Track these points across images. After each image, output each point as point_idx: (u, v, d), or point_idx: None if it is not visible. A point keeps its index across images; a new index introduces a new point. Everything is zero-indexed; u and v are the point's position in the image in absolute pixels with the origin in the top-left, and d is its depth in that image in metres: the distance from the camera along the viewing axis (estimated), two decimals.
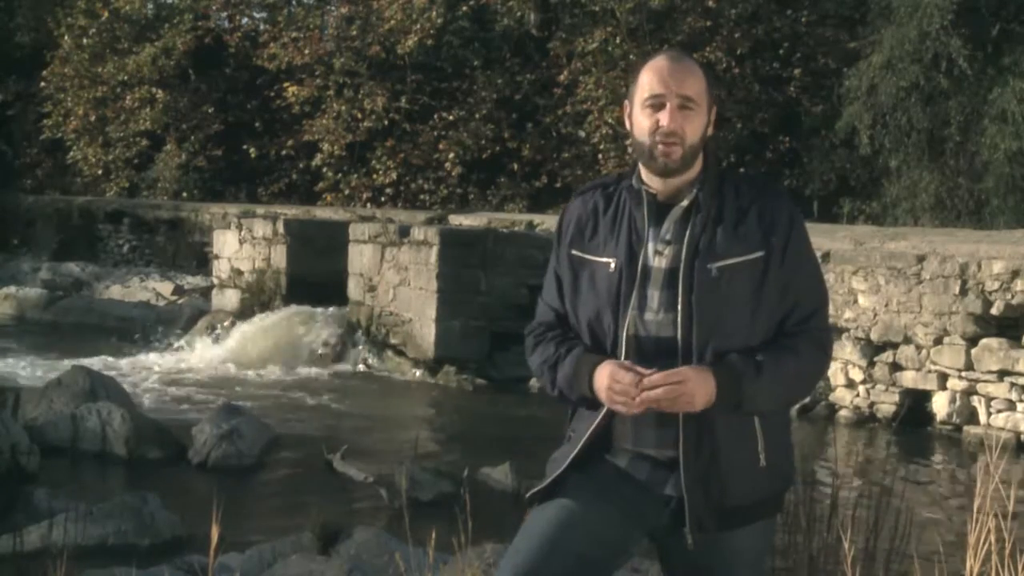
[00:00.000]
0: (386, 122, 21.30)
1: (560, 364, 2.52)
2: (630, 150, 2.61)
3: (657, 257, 2.47)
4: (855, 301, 10.62)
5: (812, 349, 2.50)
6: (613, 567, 2.54)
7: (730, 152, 19.15)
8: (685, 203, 2.49)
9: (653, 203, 2.50)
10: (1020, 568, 2.71)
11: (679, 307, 2.41)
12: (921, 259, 10.15)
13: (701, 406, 2.37)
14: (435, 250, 12.21)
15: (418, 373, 12.27)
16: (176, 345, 13.92)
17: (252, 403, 10.14)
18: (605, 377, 2.40)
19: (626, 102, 2.58)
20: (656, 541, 2.59)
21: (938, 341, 9.96)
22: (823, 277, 2.60)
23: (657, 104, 2.46)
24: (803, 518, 4.39)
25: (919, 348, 10.11)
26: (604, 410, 2.48)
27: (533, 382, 11.78)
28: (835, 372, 10.73)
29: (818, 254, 11.03)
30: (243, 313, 14.39)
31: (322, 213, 18.15)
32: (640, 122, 2.49)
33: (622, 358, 2.45)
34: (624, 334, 2.45)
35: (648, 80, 2.48)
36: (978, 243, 10.31)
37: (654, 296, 2.45)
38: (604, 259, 2.50)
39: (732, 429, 2.45)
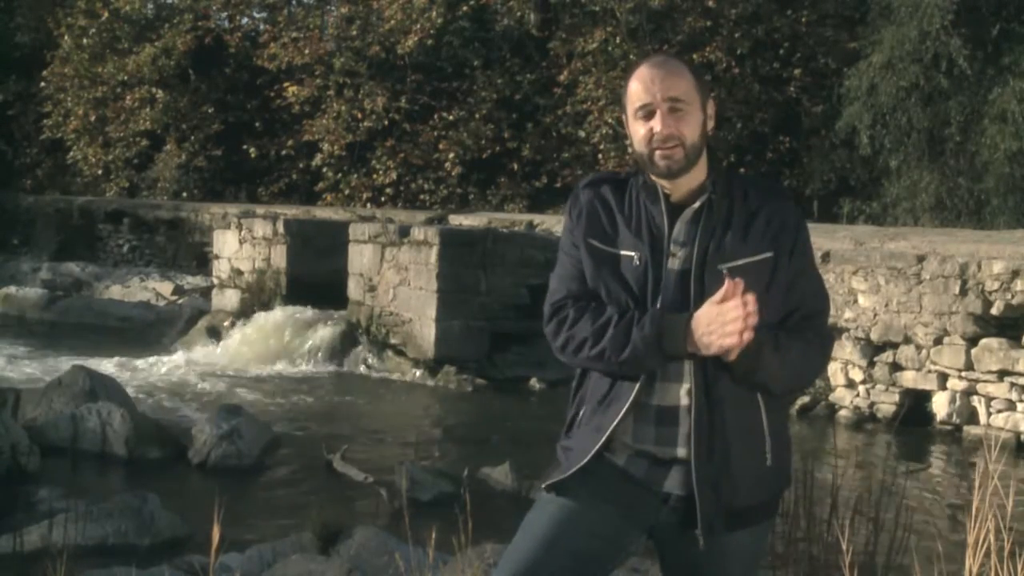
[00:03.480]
0: (386, 122, 21.31)
1: (636, 324, 2.43)
2: (630, 151, 2.60)
3: (670, 259, 2.48)
4: (855, 301, 10.63)
5: (817, 343, 2.54)
6: (612, 565, 2.55)
7: (730, 152, 19.16)
8: (696, 205, 2.50)
9: (667, 200, 2.52)
10: (1020, 568, 2.71)
11: (691, 309, 2.42)
12: (921, 259, 10.15)
13: (724, 349, 2.36)
14: (435, 250, 12.21)
15: (418, 373, 12.26)
16: (176, 345, 13.92)
17: (252, 403, 10.14)
18: (702, 322, 2.37)
19: (622, 115, 2.60)
20: (655, 539, 2.59)
21: (938, 341, 9.96)
22: (823, 283, 2.63)
23: (647, 112, 2.48)
24: (803, 518, 4.39)
25: (919, 348, 10.12)
26: (634, 397, 2.46)
27: (533, 382, 11.78)
28: (835, 372, 10.74)
29: (818, 254, 11.08)
30: (243, 313, 14.38)
31: (322, 213, 18.15)
32: (636, 132, 2.51)
33: None
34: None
35: (635, 90, 2.50)
36: (978, 243, 10.32)
37: (667, 296, 2.47)
38: (627, 252, 2.50)
39: (743, 428, 2.46)
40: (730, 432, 2.44)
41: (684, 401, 2.46)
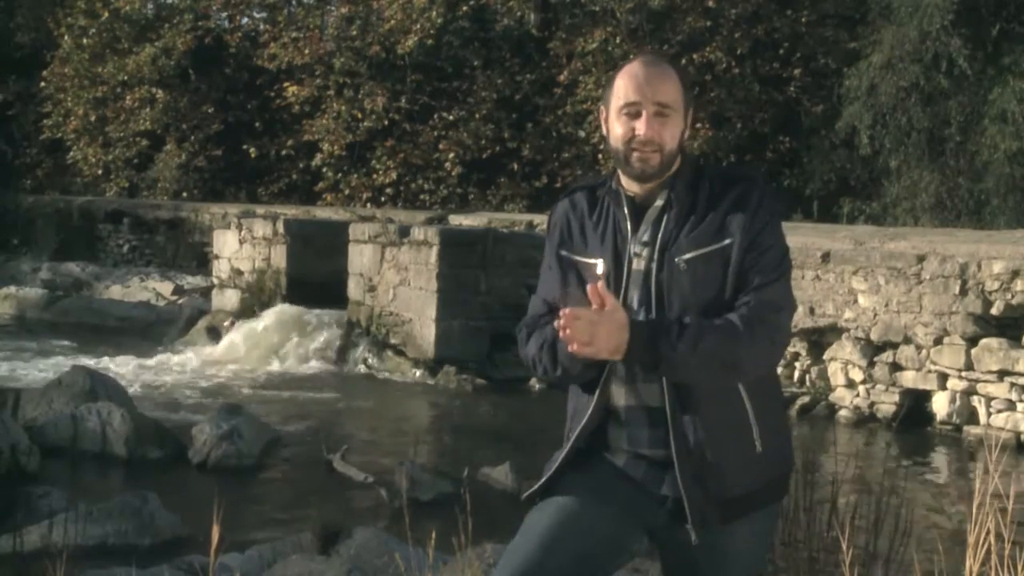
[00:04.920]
0: (386, 122, 21.32)
1: (559, 340, 2.44)
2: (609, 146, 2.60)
3: (636, 259, 2.49)
4: (855, 301, 10.63)
5: (752, 321, 2.39)
6: (612, 566, 2.55)
7: (730, 152, 19.17)
8: (659, 203, 2.51)
9: (632, 204, 2.52)
10: (1020, 568, 2.71)
11: (653, 306, 2.43)
12: (921, 259, 10.15)
13: (607, 354, 2.33)
14: (435, 250, 12.21)
15: (418, 373, 12.26)
16: (176, 345, 13.92)
17: (252, 403, 10.13)
18: None
19: (602, 107, 2.58)
20: (655, 540, 2.59)
21: (938, 341, 9.96)
22: (786, 258, 2.51)
23: (632, 112, 2.47)
24: (803, 518, 4.40)
25: (919, 348, 10.12)
26: (594, 405, 2.50)
27: (533, 382, 11.78)
28: (835, 372, 10.74)
29: (818, 254, 11.04)
30: (243, 313, 14.38)
31: (322, 213, 18.15)
32: (615, 129, 2.50)
33: None
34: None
35: (623, 87, 2.49)
36: (978, 243, 10.31)
37: (634, 297, 2.48)
38: (592, 260, 2.53)
39: (722, 420, 2.45)
40: (709, 424, 2.43)
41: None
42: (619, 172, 2.55)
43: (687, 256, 2.43)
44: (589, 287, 2.34)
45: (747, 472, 2.48)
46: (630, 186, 2.53)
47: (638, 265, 2.48)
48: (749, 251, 2.43)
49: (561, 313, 2.31)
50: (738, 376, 2.44)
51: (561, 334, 2.32)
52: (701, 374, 2.39)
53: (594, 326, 2.30)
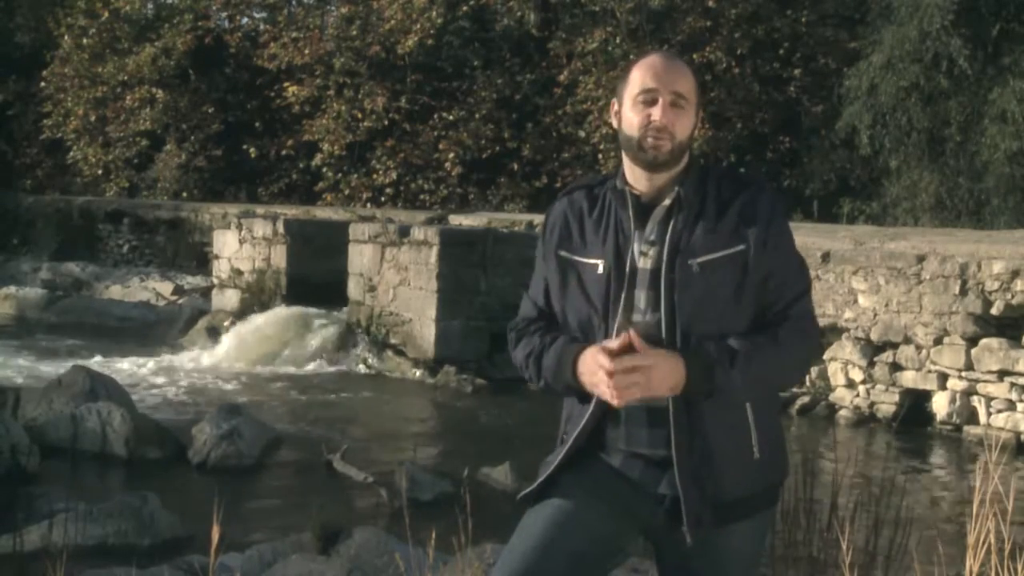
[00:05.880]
0: (386, 122, 21.32)
1: (545, 354, 2.51)
2: (619, 134, 2.60)
3: (642, 258, 2.48)
4: (855, 301, 10.63)
5: (793, 337, 2.45)
6: (608, 566, 2.55)
7: (730, 152, 19.17)
8: (667, 202, 2.50)
9: (637, 204, 2.52)
10: (1020, 568, 2.71)
11: (663, 307, 2.42)
12: (921, 259, 10.15)
13: (667, 392, 2.35)
14: (435, 250, 12.22)
15: (418, 373, 12.27)
16: (176, 345, 13.93)
17: (252, 403, 10.14)
18: (589, 362, 2.39)
19: (614, 100, 2.59)
20: (651, 540, 2.59)
21: (938, 341, 9.96)
22: (804, 264, 2.56)
23: (649, 99, 2.48)
24: (803, 518, 4.39)
25: (919, 348, 10.12)
26: (592, 409, 2.49)
27: None
28: (835, 372, 10.74)
29: (818, 254, 11.04)
30: (243, 313, 14.39)
31: (322, 213, 18.15)
32: (630, 117, 2.50)
33: None
34: (614, 336, 2.44)
35: (640, 76, 2.50)
36: (978, 243, 10.31)
37: (641, 297, 2.46)
38: (592, 260, 2.51)
39: (724, 423, 2.45)
40: (711, 427, 2.43)
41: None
42: (624, 170, 2.55)
43: (701, 259, 2.43)
44: (624, 334, 2.33)
45: (744, 477, 2.48)
46: (636, 184, 2.52)
47: (644, 264, 2.47)
48: (774, 267, 2.46)
49: (610, 366, 2.31)
50: (788, 386, 2.53)
51: (608, 391, 2.33)
52: (755, 392, 2.46)
53: (650, 369, 2.32)
